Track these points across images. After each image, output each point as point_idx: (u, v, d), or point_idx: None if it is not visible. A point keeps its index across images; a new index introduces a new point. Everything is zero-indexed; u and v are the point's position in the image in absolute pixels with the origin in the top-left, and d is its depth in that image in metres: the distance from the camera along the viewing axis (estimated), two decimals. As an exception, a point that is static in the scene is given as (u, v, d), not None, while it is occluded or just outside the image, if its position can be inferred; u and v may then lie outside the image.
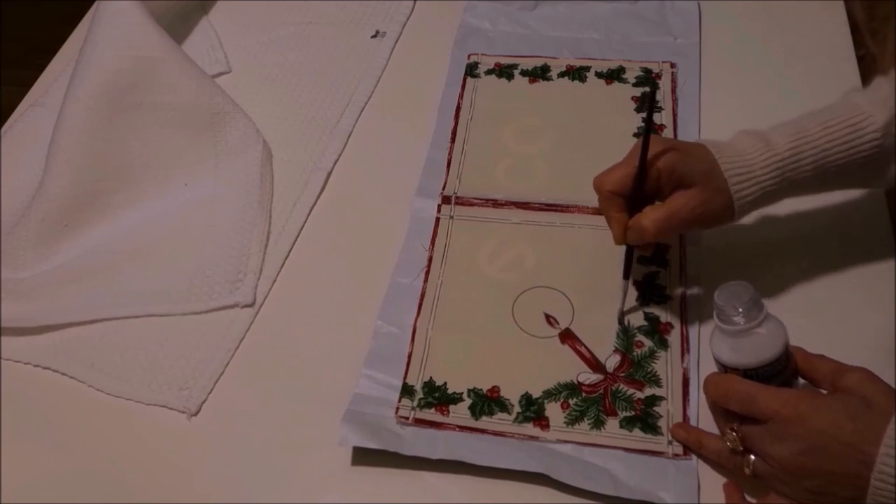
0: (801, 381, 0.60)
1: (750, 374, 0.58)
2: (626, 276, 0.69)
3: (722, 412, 0.60)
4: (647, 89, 0.62)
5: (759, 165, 0.63)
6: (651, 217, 0.64)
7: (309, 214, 0.81)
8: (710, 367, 0.63)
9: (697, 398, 0.65)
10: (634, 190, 0.64)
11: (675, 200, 0.64)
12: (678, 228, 0.65)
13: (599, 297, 0.71)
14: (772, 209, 0.72)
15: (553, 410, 0.65)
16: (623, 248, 0.68)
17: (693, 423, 0.64)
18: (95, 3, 0.88)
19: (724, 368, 0.60)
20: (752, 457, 0.57)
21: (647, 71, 0.88)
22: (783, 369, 0.58)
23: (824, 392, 0.57)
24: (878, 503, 0.51)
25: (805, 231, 0.74)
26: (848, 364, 0.57)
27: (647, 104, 0.61)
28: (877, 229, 0.73)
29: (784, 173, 0.63)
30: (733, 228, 0.73)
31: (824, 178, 0.65)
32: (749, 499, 0.59)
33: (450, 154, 0.84)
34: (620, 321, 0.70)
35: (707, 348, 0.64)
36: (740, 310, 0.58)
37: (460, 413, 0.66)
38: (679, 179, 0.63)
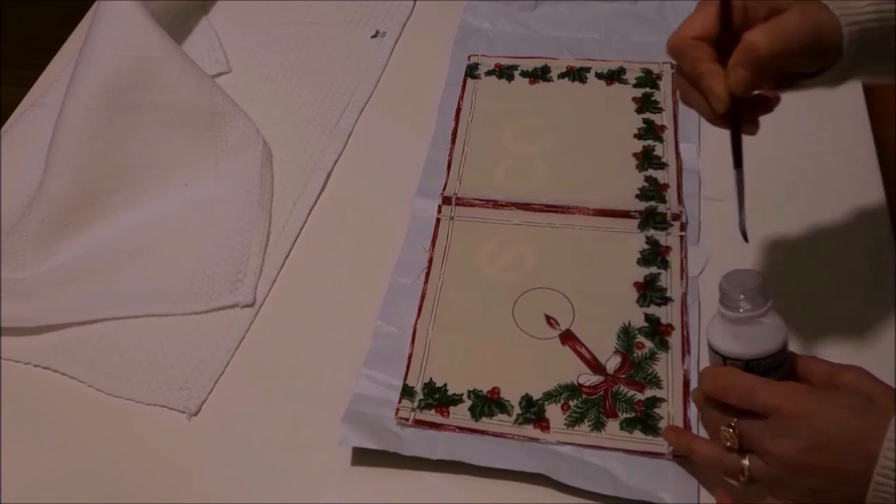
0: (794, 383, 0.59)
1: (751, 365, 0.56)
2: (737, 164, 0.57)
3: (716, 409, 0.57)
4: None
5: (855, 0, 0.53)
6: (759, 34, 0.52)
7: (309, 214, 0.81)
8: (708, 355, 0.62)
9: (697, 386, 0.64)
10: (725, 33, 0.53)
11: (777, 19, 0.53)
12: (793, 48, 0.53)
13: (600, 298, 0.71)
14: (772, 210, 0.72)
15: (553, 412, 0.65)
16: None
17: (693, 423, 0.64)
18: (95, 3, 0.88)
19: (723, 360, 0.58)
20: (747, 462, 0.55)
21: (648, 72, 0.88)
22: (781, 364, 0.57)
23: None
24: (879, 500, 0.50)
25: (806, 233, 0.74)
26: (842, 363, 0.56)
27: None
28: (877, 229, 0.73)
29: (881, 10, 0.53)
30: (733, 229, 0.74)
31: None
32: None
33: (450, 155, 0.84)
34: (742, 230, 0.58)
35: (707, 349, 0.64)
36: (746, 296, 0.56)
37: (460, 414, 0.66)
38: (771, 5, 0.54)
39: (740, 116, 0.56)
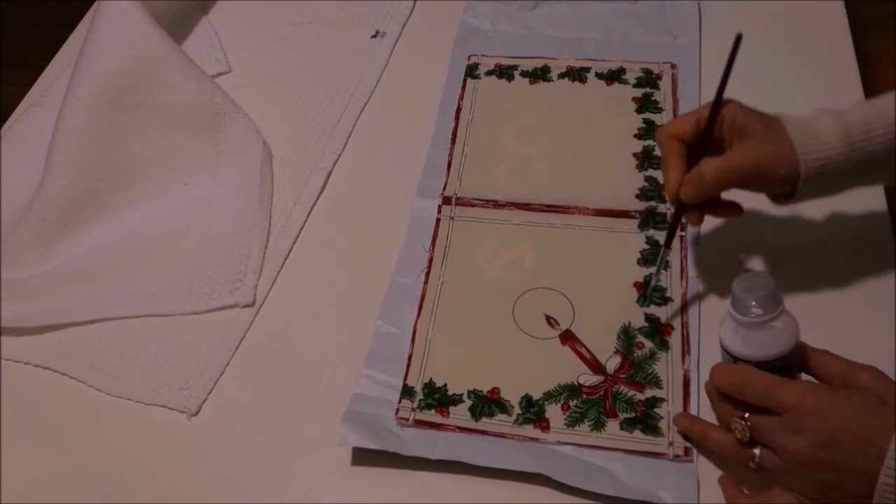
0: (805, 376, 0.59)
1: (761, 366, 0.57)
2: (667, 243, 0.67)
3: (729, 403, 0.58)
4: (737, 37, 0.59)
5: (826, 131, 0.60)
6: (711, 165, 0.61)
7: (309, 214, 0.81)
8: (710, 369, 0.63)
9: (698, 399, 0.65)
10: (700, 138, 0.62)
11: (735, 149, 0.61)
12: (738, 180, 0.61)
13: (600, 299, 0.71)
14: (773, 211, 0.72)
15: (553, 412, 0.65)
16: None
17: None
18: (95, 3, 0.88)
19: (734, 359, 0.59)
20: (757, 451, 0.56)
21: (648, 72, 0.88)
22: (793, 363, 0.58)
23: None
24: (884, 500, 0.51)
25: (806, 233, 0.74)
26: (857, 362, 0.57)
27: (732, 50, 0.59)
28: (878, 230, 0.73)
29: (854, 144, 0.60)
30: (734, 229, 0.74)
31: (891, 162, 0.61)
32: (747, 493, 0.59)
33: (450, 155, 0.84)
34: (648, 296, 0.69)
35: (708, 349, 0.65)
36: (758, 301, 0.56)
37: (460, 414, 0.66)
38: (741, 129, 0.61)
39: (685, 209, 0.65)
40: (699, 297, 0.71)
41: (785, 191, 0.63)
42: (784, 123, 0.61)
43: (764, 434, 0.55)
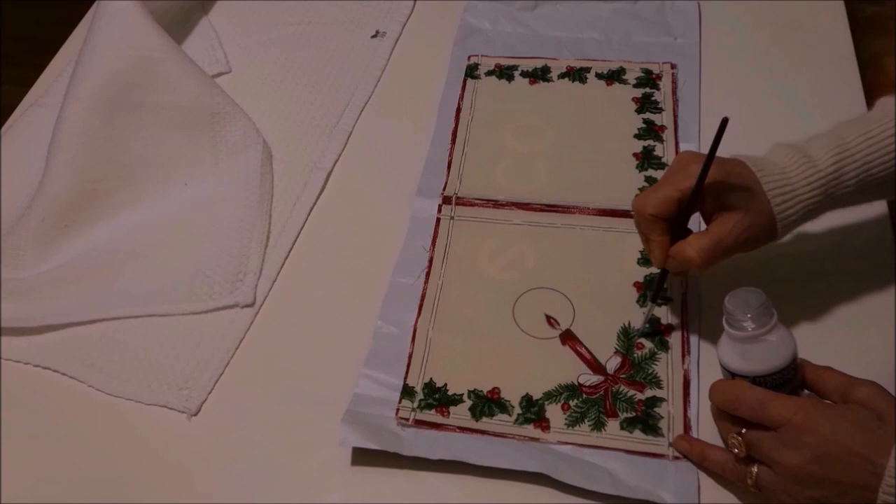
0: (807, 392, 0.60)
1: (758, 381, 0.57)
2: (654, 299, 0.68)
3: (727, 419, 0.58)
4: (722, 121, 0.58)
5: (801, 183, 0.62)
6: (696, 247, 0.62)
7: (309, 214, 0.81)
8: (710, 368, 0.63)
9: (698, 399, 0.65)
10: (682, 214, 0.63)
11: (718, 227, 0.62)
12: (723, 256, 0.63)
13: (600, 299, 0.72)
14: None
15: (553, 412, 0.65)
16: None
17: (693, 423, 0.64)
18: (95, 3, 0.88)
19: (732, 375, 0.59)
20: (755, 468, 0.56)
21: (648, 72, 0.88)
22: (791, 378, 0.58)
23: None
24: None
25: (805, 235, 0.73)
26: (857, 377, 0.57)
27: (717, 133, 0.58)
28: (878, 231, 0.73)
29: (827, 190, 0.62)
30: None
31: (865, 190, 0.63)
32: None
33: (450, 155, 0.84)
34: (639, 335, 0.69)
35: (707, 349, 0.65)
36: (750, 315, 0.57)
37: (460, 414, 0.66)
38: (722, 203, 0.62)
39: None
40: (699, 298, 0.71)
41: (770, 241, 0.64)
42: (761, 183, 0.62)
43: (759, 449, 0.55)
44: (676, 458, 0.62)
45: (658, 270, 0.66)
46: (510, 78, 0.90)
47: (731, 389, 0.58)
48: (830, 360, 0.60)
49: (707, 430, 0.63)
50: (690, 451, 0.62)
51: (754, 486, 0.56)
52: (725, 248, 0.62)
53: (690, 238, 0.63)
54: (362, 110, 0.90)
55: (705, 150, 0.60)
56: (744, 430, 0.56)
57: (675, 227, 0.64)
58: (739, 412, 0.56)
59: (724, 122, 0.58)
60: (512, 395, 0.67)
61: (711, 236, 0.62)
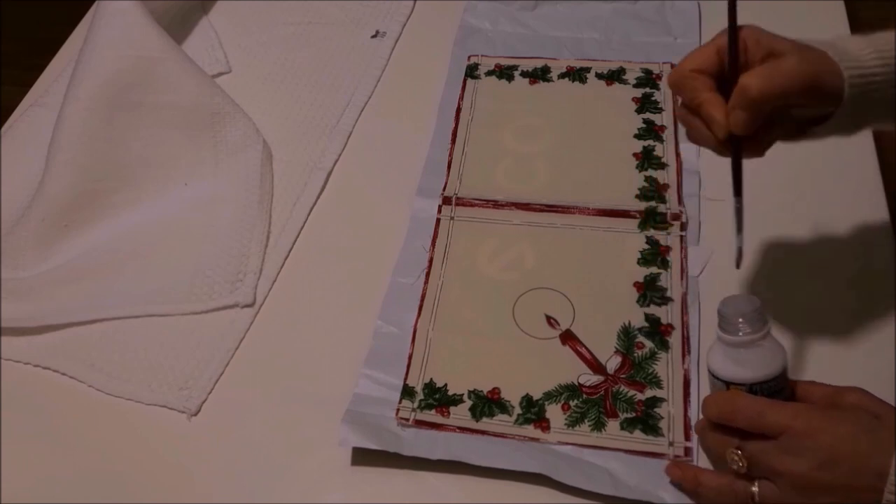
0: None
1: (755, 389, 0.56)
2: (737, 191, 0.58)
3: (721, 435, 0.56)
4: None
5: (856, 48, 0.55)
6: (754, 76, 0.53)
7: (309, 214, 0.81)
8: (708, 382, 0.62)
9: (698, 400, 0.65)
10: (724, 68, 0.55)
11: (776, 61, 0.54)
12: (787, 91, 0.53)
13: (600, 299, 0.71)
14: (774, 211, 0.72)
15: (554, 412, 0.65)
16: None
17: (693, 424, 0.63)
18: (95, 3, 0.88)
19: (726, 386, 0.58)
20: (756, 488, 0.54)
21: (648, 72, 0.88)
22: (784, 387, 0.57)
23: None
24: None
25: (805, 236, 0.74)
26: (842, 386, 0.56)
27: None
28: (878, 232, 0.73)
29: (884, 59, 0.54)
30: (732, 228, 0.74)
31: None
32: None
33: (450, 155, 0.84)
34: (738, 258, 0.59)
35: (708, 349, 0.64)
36: (745, 320, 0.56)
37: (461, 415, 0.66)
38: (769, 50, 0.54)
39: (742, 145, 0.56)
40: (699, 297, 0.71)
41: (827, 110, 0.56)
42: (810, 42, 0.55)
43: (761, 461, 0.54)
44: (676, 458, 0.62)
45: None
46: (510, 78, 0.90)
47: (727, 400, 0.56)
48: (829, 363, 0.61)
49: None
50: (683, 479, 0.59)
51: None
52: (790, 76, 0.53)
53: (744, 75, 0.54)
54: (362, 110, 0.90)
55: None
56: (742, 444, 0.55)
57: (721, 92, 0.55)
58: (737, 423, 0.55)
59: None
60: (512, 396, 0.67)
61: (770, 65, 0.54)
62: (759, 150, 0.58)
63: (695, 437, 0.62)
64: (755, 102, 0.53)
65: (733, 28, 0.55)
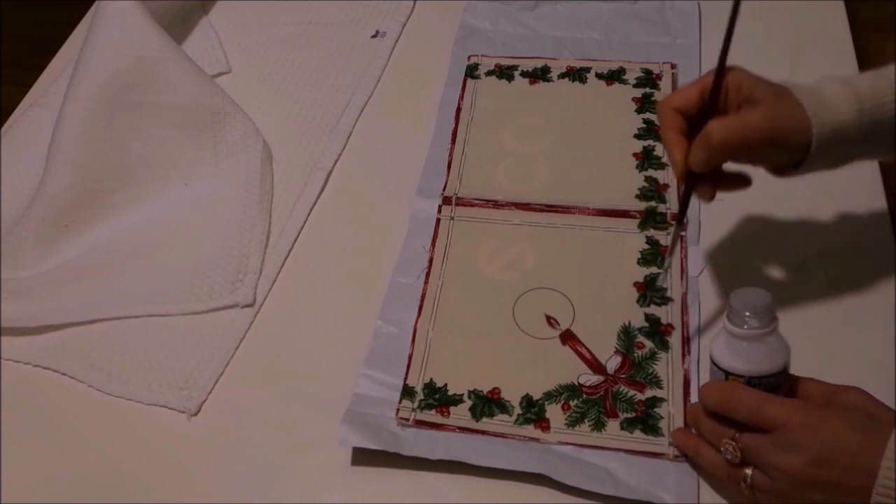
0: None
1: (753, 382, 0.56)
2: (679, 219, 0.64)
3: (717, 423, 0.57)
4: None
5: (836, 99, 0.58)
6: (719, 125, 0.57)
7: (309, 214, 0.81)
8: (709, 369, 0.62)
9: (697, 400, 0.65)
10: (703, 108, 0.59)
11: (746, 111, 0.58)
12: (749, 143, 0.57)
13: (600, 299, 0.71)
14: (775, 212, 0.72)
15: (554, 412, 0.65)
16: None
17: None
18: (95, 3, 0.88)
19: (725, 375, 0.58)
20: (749, 471, 0.55)
21: (648, 72, 0.88)
22: (784, 384, 0.57)
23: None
24: None
25: (805, 237, 0.73)
26: (841, 385, 0.57)
27: (732, 13, 0.57)
28: (878, 232, 0.73)
29: (864, 110, 0.57)
30: (734, 229, 0.74)
31: None
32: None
33: (450, 155, 0.84)
34: (663, 274, 0.66)
35: (708, 350, 0.64)
36: (755, 314, 0.56)
37: (461, 415, 0.66)
38: (748, 97, 0.58)
39: (697, 182, 0.61)
40: (699, 297, 0.71)
41: (794, 159, 0.60)
42: (792, 90, 0.59)
43: (755, 454, 0.54)
44: (676, 458, 0.62)
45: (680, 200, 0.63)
46: (510, 78, 0.90)
47: (726, 391, 0.56)
48: (830, 361, 0.61)
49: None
50: (685, 446, 0.61)
51: (748, 490, 0.55)
52: (753, 130, 0.57)
53: (712, 121, 0.58)
54: (362, 110, 0.90)
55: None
56: (737, 435, 0.55)
57: (695, 130, 0.59)
58: (734, 414, 0.55)
59: (738, 1, 0.56)
60: (512, 396, 0.67)
61: (737, 116, 0.58)
62: (711, 193, 0.62)
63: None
64: (714, 149, 0.58)
65: (720, 70, 0.58)
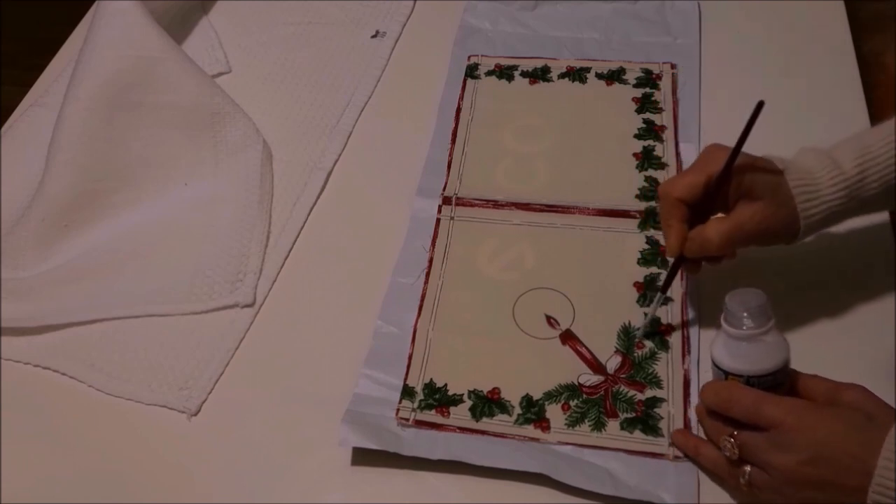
0: None
1: (752, 382, 0.57)
2: (664, 289, 0.68)
3: (717, 421, 0.58)
4: (758, 104, 0.59)
5: (826, 185, 0.62)
6: (716, 228, 0.62)
7: (309, 214, 0.81)
8: (710, 369, 0.63)
9: (699, 400, 0.65)
10: (707, 199, 0.63)
11: (740, 213, 0.62)
12: (742, 243, 0.63)
13: (600, 299, 0.71)
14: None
15: (554, 412, 0.65)
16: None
17: (693, 424, 0.64)
18: (95, 3, 0.88)
19: (725, 375, 0.59)
20: (748, 468, 0.56)
21: (648, 72, 0.88)
22: (783, 383, 0.58)
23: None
24: None
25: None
26: (844, 382, 0.57)
27: (752, 116, 0.60)
28: (878, 232, 0.73)
29: (851, 193, 0.62)
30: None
31: (890, 194, 0.63)
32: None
33: (450, 155, 0.84)
34: (642, 334, 0.68)
35: (708, 350, 0.64)
36: (749, 315, 0.57)
37: (461, 415, 0.66)
38: (746, 190, 0.62)
39: (686, 262, 0.66)
40: (699, 298, 0.71)
41: (791, 241, 0.65)
42: (787, 180, 0.62)
43: (752, 451, 0.55)
44: (676, 458, 0.62)
45: (669, 267, 0.66)
46: (510, 78, 0.90)
47: (725, 390, 0.58)
48: (829, 361, 0.61)
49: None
50: (685, 445, 0.62)
51: (747, 486, 0.56)
52: (745, 233, 0.62)
53: (711, 221, 0.63)
54: (362, 110, 0.90)
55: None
56: (736, 433, 0.56)
57: (697, 215, 0.64)
58: (732, 413, 0.57)
59: (760, 105, 0.58)
60: (512, 396, 0.67)
61: (732, 220, 0.62)
62: (698, 268, 0.67)
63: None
64: (712, 249, 0.63)
65: (728, 168, 0.61)
